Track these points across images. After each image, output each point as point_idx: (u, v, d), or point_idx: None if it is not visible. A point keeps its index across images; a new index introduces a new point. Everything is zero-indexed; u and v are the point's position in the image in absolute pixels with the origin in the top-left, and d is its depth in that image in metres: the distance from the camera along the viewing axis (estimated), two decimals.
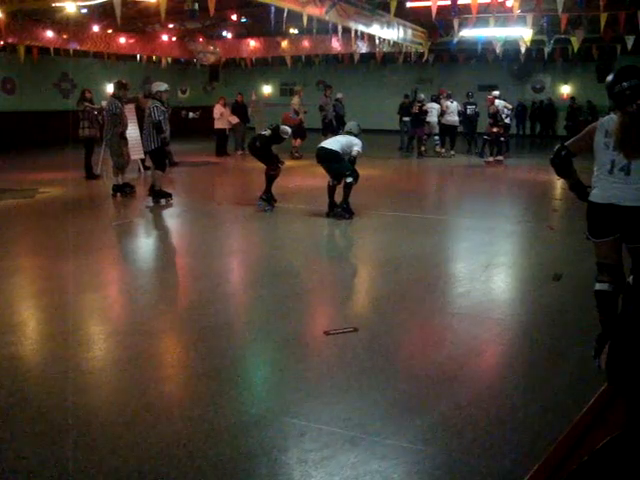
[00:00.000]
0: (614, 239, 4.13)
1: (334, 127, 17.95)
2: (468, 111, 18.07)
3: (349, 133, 9.53)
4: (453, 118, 17.91)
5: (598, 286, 4.22)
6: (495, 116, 16.31)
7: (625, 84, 3.91)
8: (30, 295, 6.17)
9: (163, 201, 10.54)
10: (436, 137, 18.38)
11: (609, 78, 4.07)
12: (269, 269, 6.95)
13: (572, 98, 24.21)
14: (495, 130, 16.38)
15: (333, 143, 9.33)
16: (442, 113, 17.98)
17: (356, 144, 9.17)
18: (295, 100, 17.85)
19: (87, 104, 13.25)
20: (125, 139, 11.59)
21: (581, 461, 1.87)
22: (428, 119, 17.94)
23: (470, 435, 3.39)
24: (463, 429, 3.45)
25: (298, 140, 17.19)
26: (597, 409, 2.71)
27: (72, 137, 13.65)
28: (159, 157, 10.42)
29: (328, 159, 9.20)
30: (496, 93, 16.86)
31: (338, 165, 9.15)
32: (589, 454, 1.88)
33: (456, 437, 3.37)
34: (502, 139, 16.77)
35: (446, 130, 18.20)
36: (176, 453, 3.22)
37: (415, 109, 17.96)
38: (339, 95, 18.96)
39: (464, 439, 3.35)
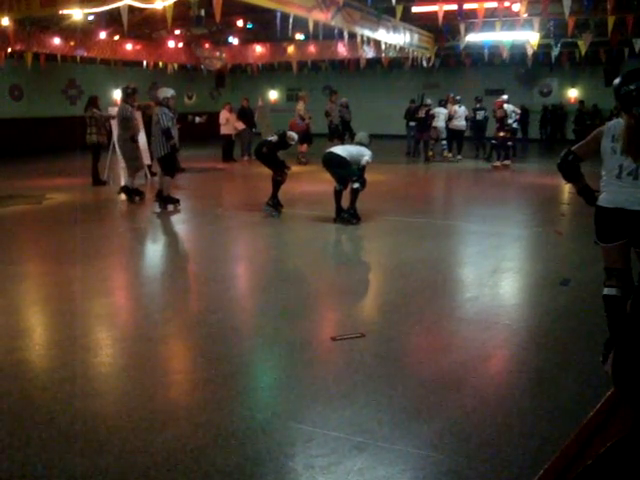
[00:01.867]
0: (622, 244, 4.12)
1: (340, 132, 17.98)
2: (478, 116, 18.06)
3: (359, 144, 9.53)
4: (460, 123, 17.93)
5: (606, 291, 4.21)
6: (502, 120, 16.33)
7: (632, 86, 3.91)
8: (37, 300, 6.20)
9: (171, 207, 10.57)
10: (443, 142, 18.40)
11: (616, 81, 4.07)
12: (276, 274, 6.95)
13: (581, 102, 24.14)
14: (502, 134, 16.40)
15: (342, 150, 9.34)
16: (450, 118, 18.00)
17: (366, 154, 9.18)
18: (300, 106, 17.87)
19: (95, 110, 13.31)
20: (136, 142, 11.67)
21: (586, 464, 1.87)
22: (435, 124, 17.96)
23: (477, 441, 3.37)
24: (470, 435, 3.43)
25: (304, 146, 17.20)
26: (603, 414, 2.70)
27: (79, 143, 13.70)
28: (168, 163, 10.45)
29: (334, 164, 9.20)
30: (504, 97, 16.87)
31: (343, 171, 9.15)
32: (594, 457, 1.87)
33: (463, 443, 3.36)
34: (509, 143, 16.77)
35: (453, 135, 18.22)
36: (183, 459, 3.22)
37: (421, 113, 17.99)
38: (344, 100, 18.97)
39: (471, 445, 3.34)
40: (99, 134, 13.34)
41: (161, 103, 10.35)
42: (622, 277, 4.12)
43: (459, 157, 18.21)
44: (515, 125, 17.24)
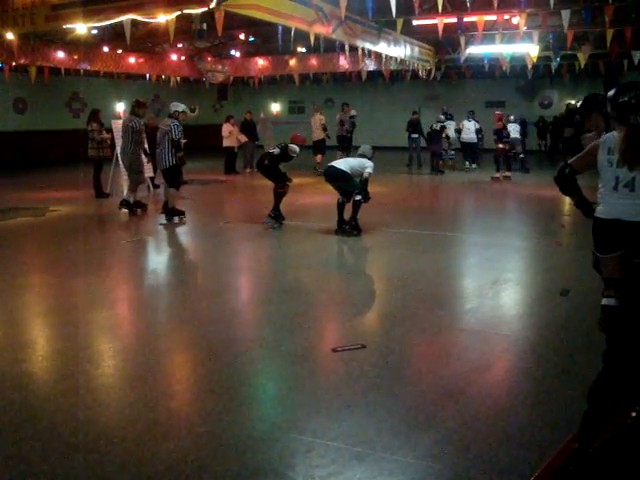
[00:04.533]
0: (620, 255, 4.15)
1: (350, 141, 18.28)
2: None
3: (362, 156, 9.61)
4: (469, 136, 18.68)
5: (605, 301, 4.23)
6: (500, 132, 16.49)
7: (632, 93, 3.98)
8: (41, 312, 6.23)
9: (176, 219, 10.61)
10: (452, 152, 19.66)
11: (611, 92, 4.14)
12: (277, 286, 6.98)
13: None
14: (502, 146, 16.52)
15: (343, 164, 9.41)
16: (459, 131, 19.05)
17: (368, 166, 9.26)
18: (319, 116, 18.15)
19: (94, 124, 13.33)
20: (148, 156, 11.77)
21: (575, 465, 1.91)
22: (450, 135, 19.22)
23: (477, 451, 3.39)
24: (470, 445, 3.45)
25: (319, 156, 17.36)
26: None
27: (82, 156, 13.76)
28: (174, 175, 10.50)
29: (336, 178, 9.27)
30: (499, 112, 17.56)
31: (346, 184, 9.21)
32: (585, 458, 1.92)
33: (463, 453, 3.38)
34: (510, 154, 16.93)
35: (464, 147, 19.23)
36: (184, 469, 3.24)
37: (436, 127, 18.58)
38: (353, 112, 19.13)
39: (471, 455, 3.36)
40: (100, 148, 13.37)
41: (172, 115, 10.44)
42: (620, 287, 4.15)
43: (474, 166, 19.16)
44: (517, 135, 17.49)
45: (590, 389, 3.63)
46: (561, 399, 4.01)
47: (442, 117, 19.10)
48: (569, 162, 4.34)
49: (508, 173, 16.72)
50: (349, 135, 18.65)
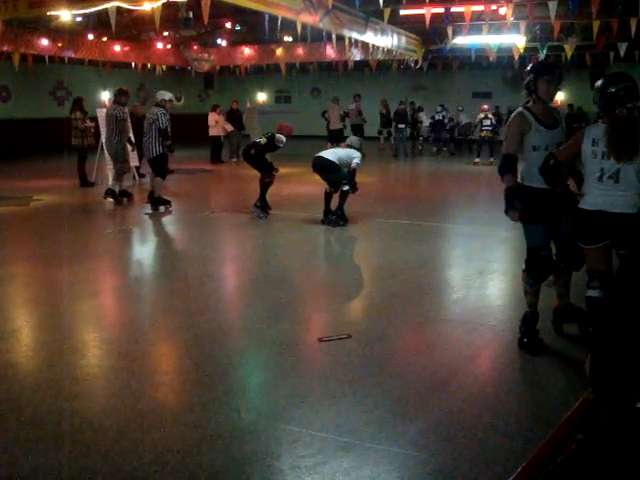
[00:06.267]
0: (604, 246, 4.18)
1: (363, 130, 18.56)
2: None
3: (350, 147, 9.60)
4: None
5: (589, 292, 4.27)
6: (480, 122, 17.78)
7: (621, 85, 4.00)
8: (24, 302, 6.18)
9: (162, 208, 10.55)
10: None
11: (599, 82, 4.15)
12: (263, 276, 6.96)
13: (570, 105, 24.31)
14: (483, 134, 17.65)
15: (331, 154, 9.38)
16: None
17: (356, 157, 9.24)
18: (336, 107, 18.65)
19: (78, 113, 13.20)
20: (133, 144, 11.71)
21: (562, 459, 1.91)
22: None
23: (462, 441, 3.41)
24: (455, 435, 3.47)
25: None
26: (581, 411, 2.75)
27: (66, 145, 13.64)
28: (160, 164, 10.43)
29: (324, 169, 9.23)
30: (486, 107, 18.44)
31: (334, 175, 9.18)
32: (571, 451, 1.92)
33: (448, 443, 3.39)
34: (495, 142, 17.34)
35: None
36: (170, 459, 3.23)
37: (438, 117, 19.95)
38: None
39: (456, 445, 3.37)
40: (83, 137, 13.26)
41: (158, 104, 10.36)
42: (604, 279, 4.18)
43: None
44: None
45: (592, 378, 3.65)
46: (547, 389, 4.04)
47: (439, 108, 20.22)
48: (554, 153, 4.36)
49: (492, 159, 16.98)
50: (363, 126, 19.23)
